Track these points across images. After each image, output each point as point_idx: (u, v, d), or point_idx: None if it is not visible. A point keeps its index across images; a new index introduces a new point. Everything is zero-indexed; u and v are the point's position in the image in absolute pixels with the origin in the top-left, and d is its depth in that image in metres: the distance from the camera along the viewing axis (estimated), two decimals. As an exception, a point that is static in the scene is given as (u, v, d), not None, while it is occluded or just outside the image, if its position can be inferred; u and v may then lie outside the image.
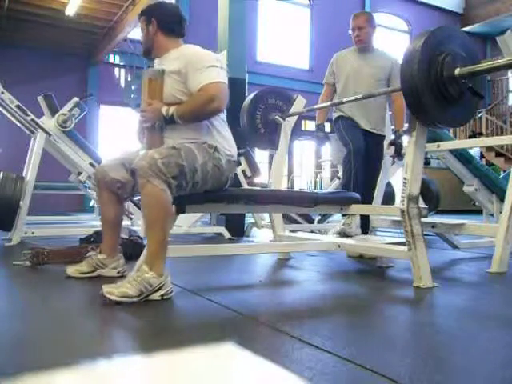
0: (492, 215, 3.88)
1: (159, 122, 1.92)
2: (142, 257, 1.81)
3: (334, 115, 3.20)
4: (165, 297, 1.72)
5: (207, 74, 1.87)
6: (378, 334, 1.38)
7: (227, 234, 4.08)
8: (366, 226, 2.97)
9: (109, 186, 2.05)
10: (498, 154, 10.09)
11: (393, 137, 2.96)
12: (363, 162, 2.92)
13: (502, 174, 4.58)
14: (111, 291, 1.62)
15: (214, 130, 1.98)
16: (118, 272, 2.14)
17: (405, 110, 2.82)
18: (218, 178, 1.96)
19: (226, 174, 1.99)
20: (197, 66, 1.90)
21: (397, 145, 2.81)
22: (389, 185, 4.10)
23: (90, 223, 4.73)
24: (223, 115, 2.06)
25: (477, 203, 4.04)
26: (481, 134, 9.89)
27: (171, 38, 2.08)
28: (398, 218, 2.14)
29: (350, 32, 3.10)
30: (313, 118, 3.63)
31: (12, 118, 3.64)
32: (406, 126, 2.63)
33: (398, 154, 2.82)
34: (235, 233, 4.15)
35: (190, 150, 1.85)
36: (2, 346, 1.23)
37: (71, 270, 2.11)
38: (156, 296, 1.70)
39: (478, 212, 4.41)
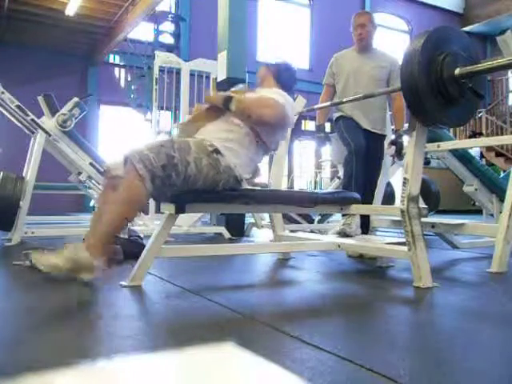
0: (492, 215, 3.88)
1: (220, 100, 2.11)
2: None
3: (335, 115, 3.20)
4: (87, 282, 1.75)
5: (277, 96, 2.14)
6: (378, 334, 1.37)
7: (227, 234, 4.08)
8: (366, 225, 2.97)
9: (115, 182, 2.07)
10: (498, 154, 10.09)
11: (393, 136, 2.96)
12: (364, 161, 2.93)
13: (502, 174, 4.58)
14: (36, 258, 1.67)
15: (239, 146, 2.06)
16: None
17: (405, 109, 2.83)
18: (213, 176, 1.96)
19: (222, 176, 1.98)
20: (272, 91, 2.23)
21: (397, 145, 2.81)
22: (389, 185, 4.11)
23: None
24: (261, 150, 2.18)
25: (477, 203, 4.05)
26: (481, 134, 9.89)
27: (276, 84, 2.41)
28: (398, 218, 2.14)
29: (352, 30, 3.11)
30: (313, 118, 3.64)
31: (12, 118, 3.65)
32: (406, 125, 2.63)
33: (399, 153, 2.82)
34: (235, 233, 4.15)
35: (184, 143, 1.90)
36: (2, 345, 1.23)
37: None
38: (84, 277, 1.72)
39: (478, 212, 4.41)
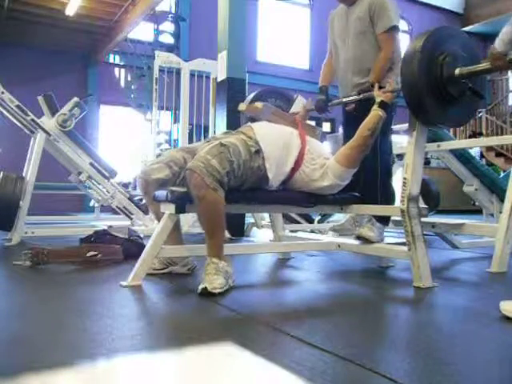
0: (492, 215, 3.88)
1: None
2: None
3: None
4: (234, 282, 1.92)
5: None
6: (377, 334, 1.38)
7: (227, 234, 4.08)
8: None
9: (152, 186, 2.14)
10: (498, 154, 10.10)
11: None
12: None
13: (502, 174, 4.58)
14: (214, 287, 1.77)
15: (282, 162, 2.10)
16: (188, 269, 2.27)
17: (387, 61, 2.50)
18: (250, 176, 2.02)
19: (256, 175, 2.04)
20: None
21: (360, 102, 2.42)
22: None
23: (89, 223, 4.73)
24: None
25: (477, 203, 4.04)
26: (481, 134, 9.90)
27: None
28: (398, 218, 2.14)
29: None
30: (313, 118, 3.62)
31: (12, 118, 3.64)
32: (406, 125, 2.61)
33: (355, 110, 2.49)
34: (235, 233, 4.14)
35: (234, 146, 1.96)
36: (2, 345, 1.23)
37: None
38: (231, 282, 1.89)
39: (478, 212, 4.41)
